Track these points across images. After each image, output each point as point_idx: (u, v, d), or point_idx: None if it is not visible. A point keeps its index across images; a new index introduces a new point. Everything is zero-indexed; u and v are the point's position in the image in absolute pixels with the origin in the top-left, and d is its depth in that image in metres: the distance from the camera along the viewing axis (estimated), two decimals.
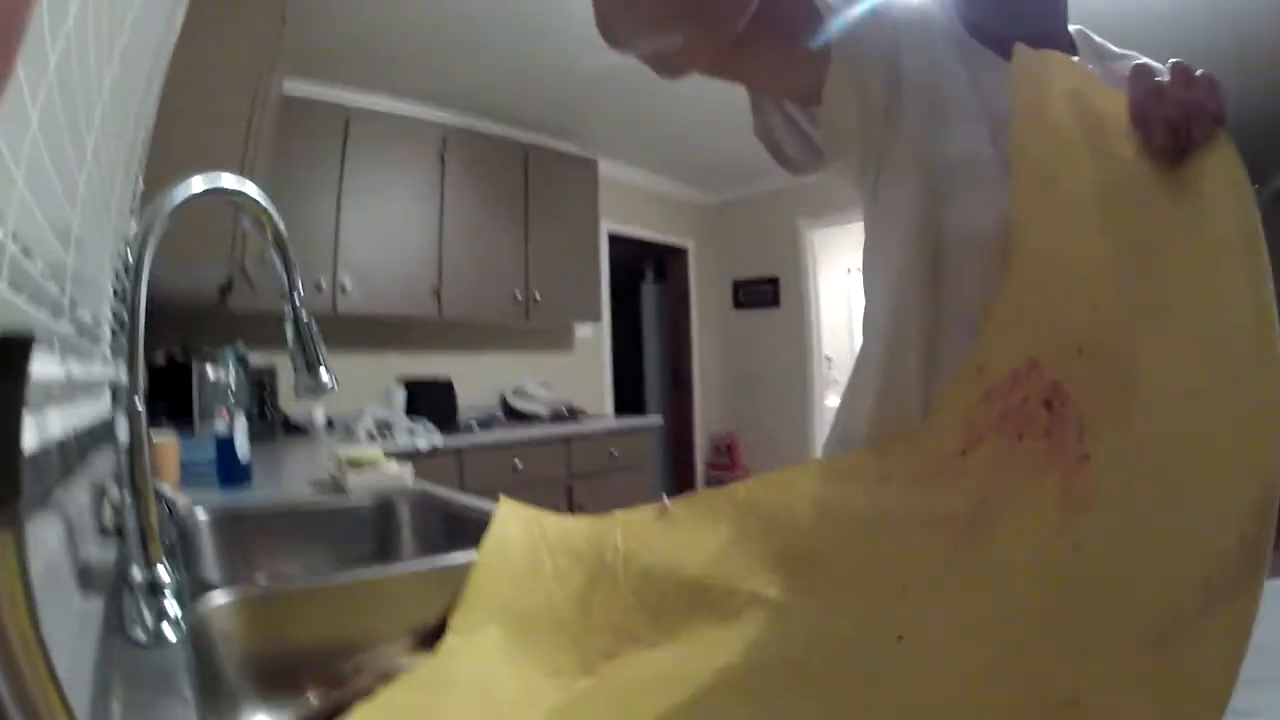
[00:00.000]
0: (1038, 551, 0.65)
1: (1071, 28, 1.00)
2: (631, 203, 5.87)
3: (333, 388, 1.01)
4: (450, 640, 0.96)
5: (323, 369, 1.00)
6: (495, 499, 1.30)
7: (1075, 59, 0.92)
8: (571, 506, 4.02)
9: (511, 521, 1.09)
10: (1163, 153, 0.69)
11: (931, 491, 0.81)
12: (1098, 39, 1.01)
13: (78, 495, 0.86)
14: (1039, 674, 0.56)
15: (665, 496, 1.04)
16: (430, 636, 1.01)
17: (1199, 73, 0.68)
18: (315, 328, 1.01)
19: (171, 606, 0.79)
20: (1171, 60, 0.70)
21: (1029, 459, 0.72)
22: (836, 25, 0.89)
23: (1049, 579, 0.62)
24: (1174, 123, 0.67)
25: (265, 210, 0.93)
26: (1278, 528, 0.48)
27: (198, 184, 0.86)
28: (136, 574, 0.79)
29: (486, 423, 4.21)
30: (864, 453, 0.94)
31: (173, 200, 0.84)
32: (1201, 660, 0.47)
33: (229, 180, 0.90)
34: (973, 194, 0.90)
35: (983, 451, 0.78)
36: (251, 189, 0.92)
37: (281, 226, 0.95)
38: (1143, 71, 0.72)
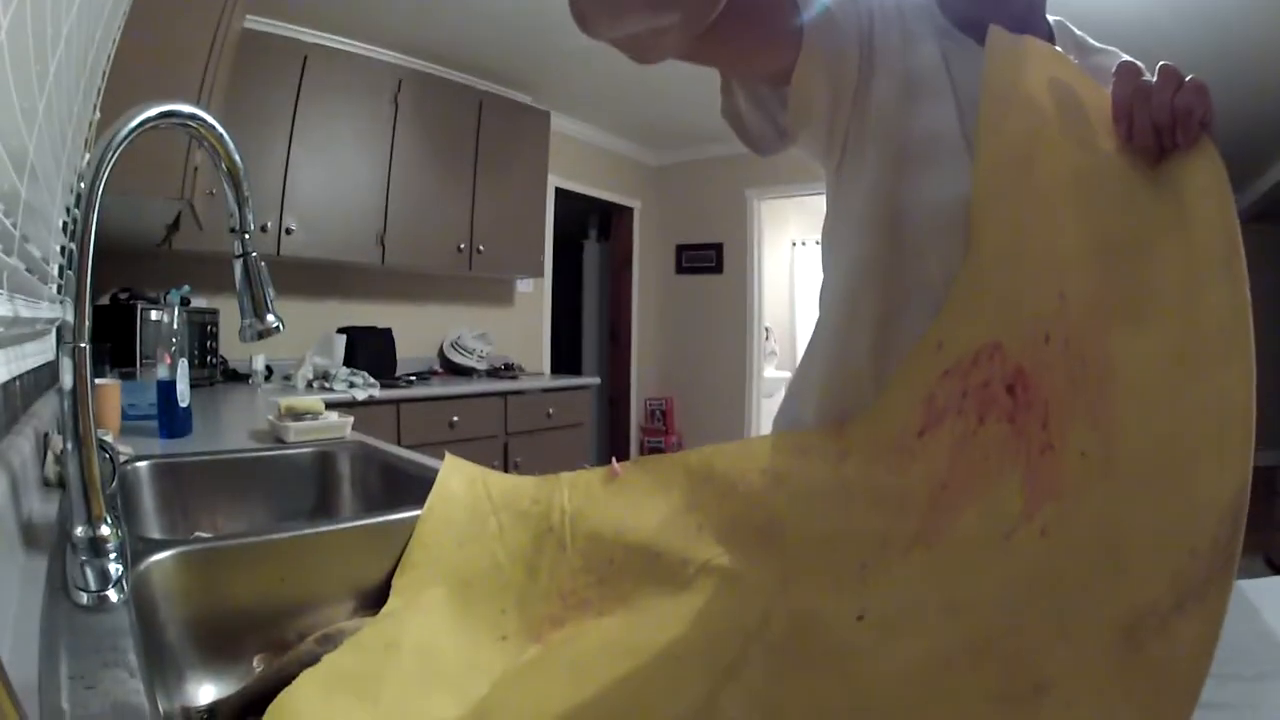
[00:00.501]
0: (1003, 536, 0.65)
1: (1052, 19, 1.00)
2: (580, 158, 5.81)
3: (279, 328, 0.97)
4: (394, 602, 0.95)
5: (270, 311, 0.97)
6: (433, 454, 1.28)
7: (1056, 47, 0.91)
8: (507, 465, 4.02)
9: (456, 478, 1.07)
10: (1144, 151, 0.69)
11: (890, 471, 0.81)
12: (1078, 32, 1.01)
13: (21, 445, 0.82)
14: (1008, 660, 0.57)
15: (614, 460, 1.02)
16: (374, 597, 0.99)
17: (1188, 78, 0.68)
18: (264, 268, 0.97)
19: (114, 566, 0.76)
20: (1160, 63, 0.70)
21: (991, 444, 0.72)
22: (810, 7, 0.89)
23: (1016, 564, 0.63)
24: (1159, 125, 0.67)
25: (221, 139, 0.89)
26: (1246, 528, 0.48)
27: (154, 110, 0.82)
28: (79, 530, 0.75)
29: (424, 375, 4.17)
30: (823, 431, 0.93)
31: (129, 125, 0.79)
32: (1172, 655, 0.47)
33: (186, 107, 0.86)
34: (937, 174, 0.91)
35: (942, 433, 0.78)
36: (209, 117, 0.88)
37: (237, 157, 0.91)
38: (1129, 70, 0.71)
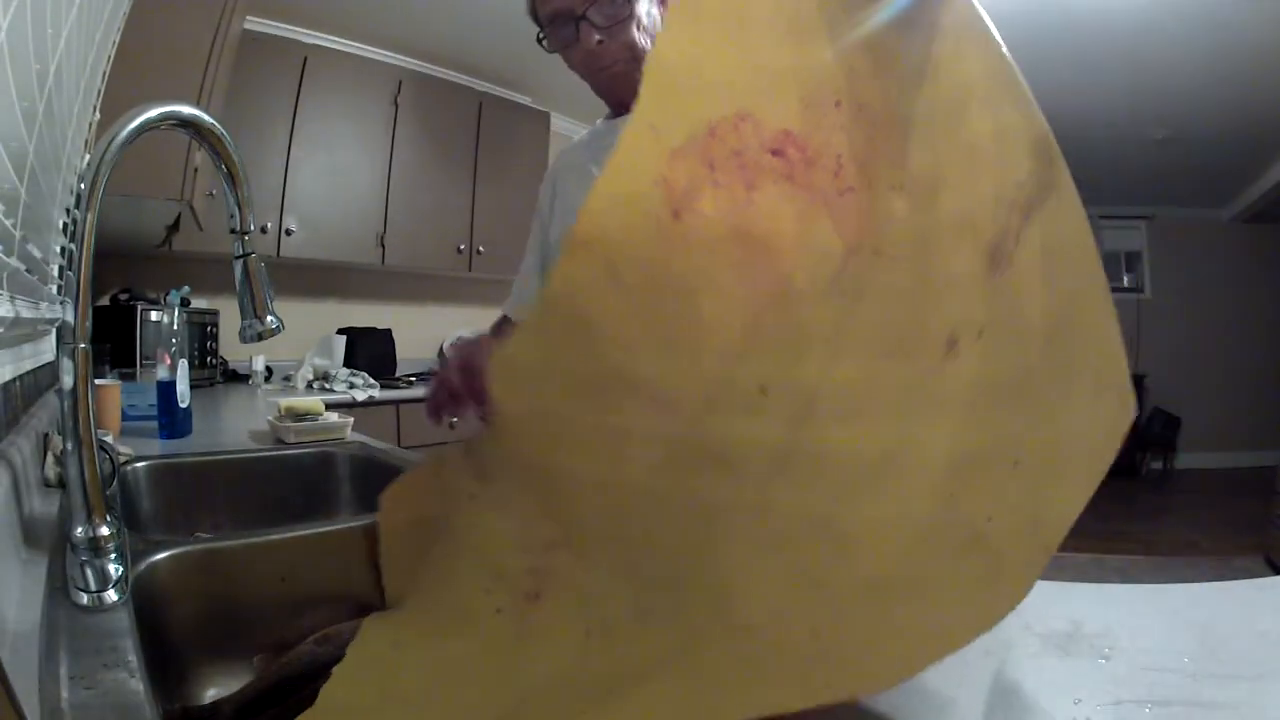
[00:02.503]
0: (833, 278, 0.65)
1: None
2: None
3: (279, 329, 0.98)
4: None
5: (270, 312, 0.98)
6: (433, 455, 1.27)
7: None
8: None
9: (397, 515, 1.02)
10: None
11: (679, 255, 0.69)
12: None
13: (21, 445, 0.82)
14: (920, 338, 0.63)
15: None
16: (374, 597, 0.99)
17: None
18: (264, 268, 0.97)
19: (114, 567, 0.76)
20: None
21: (772, 203, 0.66)
22: None
23: (874, 285, 0.65)
24: None
25: (221, 140, 0.89)
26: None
27: (154, 111, 0.81)
28: (79, 531, 0.75)
29: (424, 375, 4.17)
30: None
31: (129, 126, 0.79)
32: (1041, 247, 0.59)
33: (186, 108, 0.86)
34: None
35: (704, 207, 0.67)
36: (208, 118, 0.88)
37: (237, 158, 0.92)
38: None
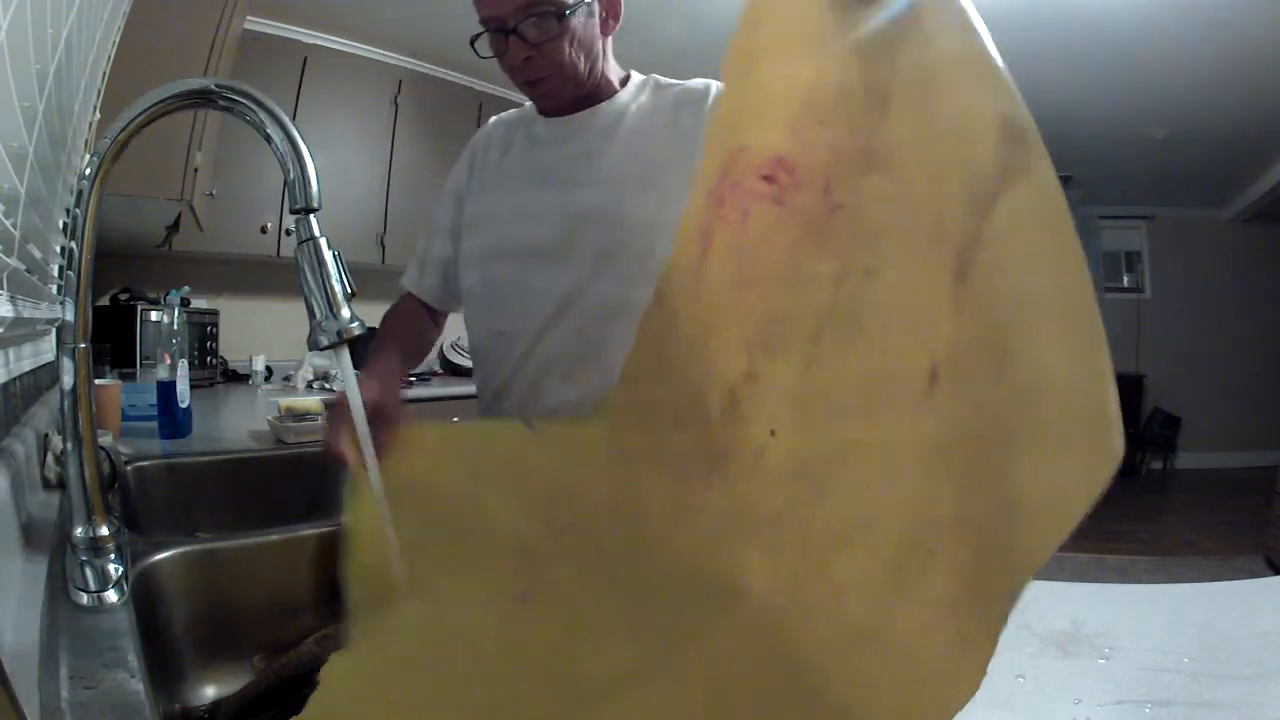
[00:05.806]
0: (827, 313, 0.66)
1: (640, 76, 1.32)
2: None
3: (361, 327, 0.83)
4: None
5: (345, 306, 0.82)
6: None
7: None
8: None
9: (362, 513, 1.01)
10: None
11: (699, 303, 0.78)
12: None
13: (21, 445, 0.82)
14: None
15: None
16: None
17: None
18: (338, 254, 0.84)
19: (114, 567, 0.75)
20: None
21: (767, 231, 0.71)
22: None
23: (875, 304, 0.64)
24: None
25: (256, 100, 0.77)
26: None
27: (162, 91, 0.74)
28: (79, 531, 0.75)
29: (425, 375, 4.17)
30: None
31: (137, 110, 0.74)
32: (1024, 207, 0.50)
33: (196, 83, 0.78)
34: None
35: (716, 249, 0.76)
36: (246, 88, 0.78)
37: (283, 116, 0.78)
38: None
